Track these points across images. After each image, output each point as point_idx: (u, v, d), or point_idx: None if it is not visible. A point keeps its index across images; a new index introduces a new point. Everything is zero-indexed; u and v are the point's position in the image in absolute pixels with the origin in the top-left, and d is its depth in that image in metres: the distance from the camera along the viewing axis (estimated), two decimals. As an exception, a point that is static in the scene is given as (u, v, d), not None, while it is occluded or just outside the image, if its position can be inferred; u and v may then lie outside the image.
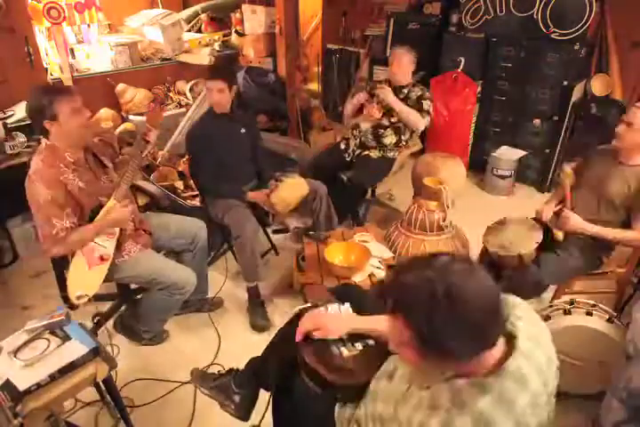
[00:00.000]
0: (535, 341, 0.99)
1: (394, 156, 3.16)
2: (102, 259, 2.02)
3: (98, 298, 2.52)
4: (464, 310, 0.86)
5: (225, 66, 2.64)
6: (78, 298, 1.96)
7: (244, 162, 2.72)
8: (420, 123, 3.01)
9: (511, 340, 0.97)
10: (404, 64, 2.99)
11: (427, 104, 3.01)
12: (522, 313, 1.03)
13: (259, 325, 2.48)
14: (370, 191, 3.37)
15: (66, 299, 2.00)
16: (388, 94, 2.94)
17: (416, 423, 0.96)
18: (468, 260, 0.95)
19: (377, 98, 3.02)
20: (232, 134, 2.62)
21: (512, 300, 1.07)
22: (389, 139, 3.09)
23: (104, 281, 2.06)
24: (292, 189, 2.55)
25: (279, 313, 2.56)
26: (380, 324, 1.25)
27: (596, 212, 2.17)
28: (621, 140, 2.06)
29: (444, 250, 2.62)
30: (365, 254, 2.32)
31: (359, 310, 1.44)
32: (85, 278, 1.99)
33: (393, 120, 3.04)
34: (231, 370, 1.80)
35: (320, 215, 2.73)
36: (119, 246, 2.08)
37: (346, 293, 1.60)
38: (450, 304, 0.86)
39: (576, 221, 2.07)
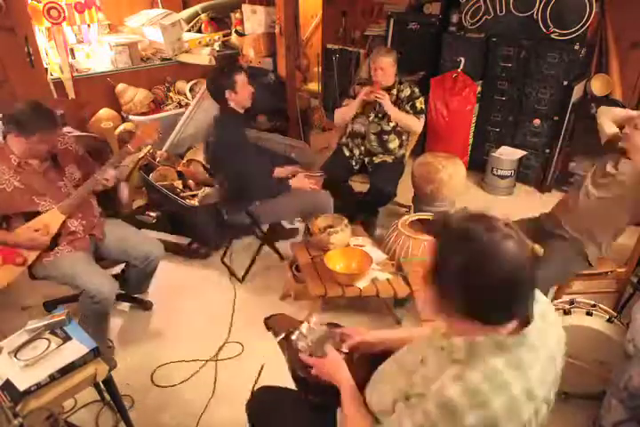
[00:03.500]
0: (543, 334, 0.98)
1: (403, 154, 3.20)
2: (18, 264, 2.03)
3: (66, 300, 2.50)
4: (485, 278, 0.89)
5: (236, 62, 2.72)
6: None
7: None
8: (418, 126, 3.05)
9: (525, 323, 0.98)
10: (386, 69, 2.92)
11: (419, 102, 3.02)
12: (543, 308, 1.03)
13: None
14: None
15: None
16: (387, 102, 2.92)
17: (434, 382, 0.95)
18: (515, 234, 0.94)
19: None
20: (246, 135, 2.63)
21: (540, 296, 1.06)
22: (393, 143, 3.10)
23: (33, 278, 2.12)
24: None
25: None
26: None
27: (586, 209, 2.15)
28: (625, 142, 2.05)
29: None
30: (366, 259, 2.29)
31: None
32: None
33: (392, 124, 3.04)
34: None
35: None
36: (52, 246, 2.08)
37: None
38: (474, 269, 0.89)
39: None
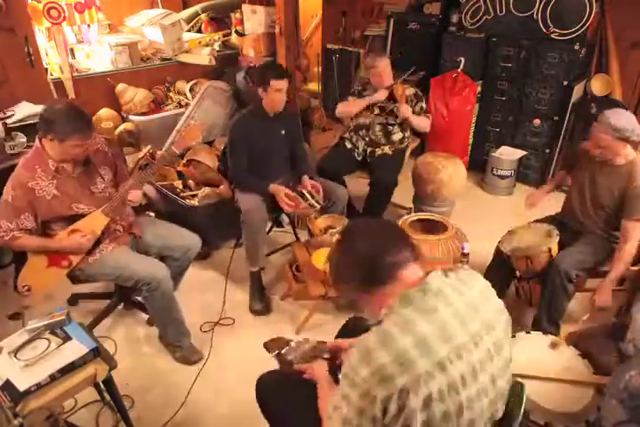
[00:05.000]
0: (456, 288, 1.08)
1: (404, 147, 3.23)
2: (63, 266, 2.03)
3: (96, 296, 2.57)
4: (349, 246, 1.13)
5: (281, 66, 2.77)
6: (24, 288, 1.99)
7: (279, 162, 2.76)
8: (429, 125, 3.12)
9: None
10: (385, 72, 3.02)
11: (424, 103, 3.08)
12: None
13: (256, 309, 2.58)
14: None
15: (15, 286, 2.03)
16: (407, 111, 2.98)
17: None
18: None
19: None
20: (272, 134, 2.64)
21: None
22: (397, 135, 3.14)
23: (75, 281, 2.10)
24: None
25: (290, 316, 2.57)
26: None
27: (586, 210, 2.28)
28: (602, 157, 2.14)
29: (444, 250, 2.62)
30: None
31: None
32: (39, 275, 2.01)
33: (398, 120, 3.09)
34: None
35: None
36: (94, 246, 2.08)
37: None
38: (341, 242, 1.16)
39: (605, 297, 2.09)
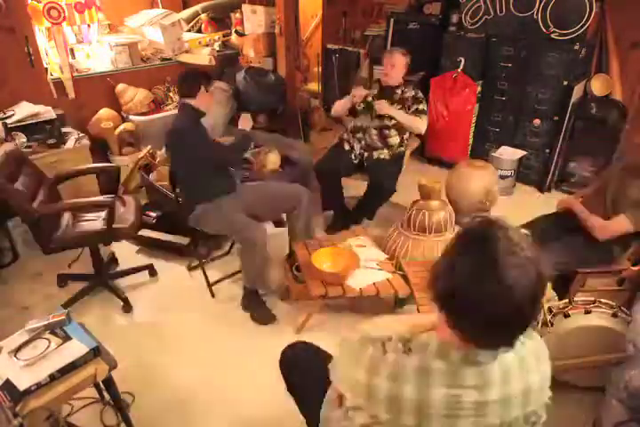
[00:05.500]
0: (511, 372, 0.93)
1: (402, 151, 3.22)
2: None
3: (73, 278, 2.70)
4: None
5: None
6: None
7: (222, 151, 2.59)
8: (422, 126, 3.06)
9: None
10: (397, 66, 3.02)
11: (423, 105, 3.07)
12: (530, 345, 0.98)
13: (263, 318, 2.47)
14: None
15: None
16: (384, 108, 2.97)
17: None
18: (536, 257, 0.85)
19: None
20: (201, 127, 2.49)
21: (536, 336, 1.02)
22: (394, 139, 3.13)
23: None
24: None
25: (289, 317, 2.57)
26: None
27: (600, 213, 2.26)
28: None
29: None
30: (354, 260, 2.31)
31: None
32: None
33: (394, 121, 3.06)
34: None
35: (298, 223, 2.63)
36: None
37: None
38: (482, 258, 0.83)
39: None
